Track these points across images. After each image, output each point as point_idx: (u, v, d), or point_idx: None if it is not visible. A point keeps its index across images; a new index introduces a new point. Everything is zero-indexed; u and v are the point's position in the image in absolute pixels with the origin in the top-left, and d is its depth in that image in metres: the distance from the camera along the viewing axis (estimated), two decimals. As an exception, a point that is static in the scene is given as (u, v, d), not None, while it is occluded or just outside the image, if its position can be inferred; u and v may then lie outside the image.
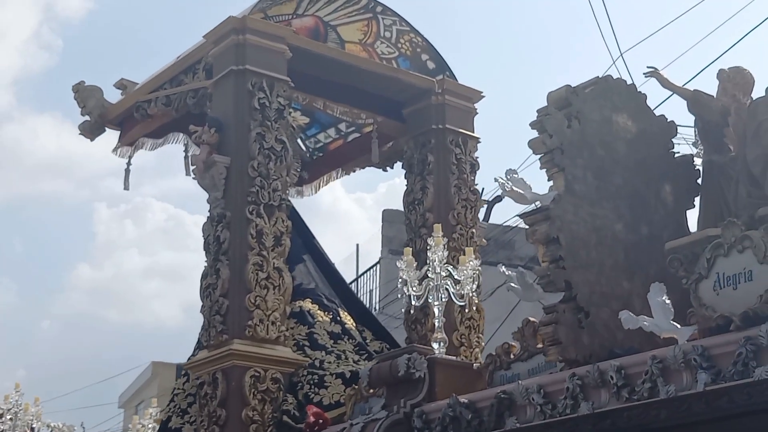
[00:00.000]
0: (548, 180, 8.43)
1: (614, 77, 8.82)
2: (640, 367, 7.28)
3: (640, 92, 8.88)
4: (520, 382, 8.01)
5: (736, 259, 7.04)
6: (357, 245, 14.27)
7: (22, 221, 29.09)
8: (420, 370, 8.65)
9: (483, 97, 12.15)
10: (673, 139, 8.96)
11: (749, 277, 6.93)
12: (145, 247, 32.76)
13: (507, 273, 8.59)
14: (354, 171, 13.36)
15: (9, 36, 28.56)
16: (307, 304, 11.06)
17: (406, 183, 12.01)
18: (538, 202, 8.26)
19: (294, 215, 12.08)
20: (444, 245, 9.21)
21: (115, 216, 32.77)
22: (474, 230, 11.65)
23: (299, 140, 13.46)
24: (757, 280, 6.89)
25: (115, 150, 12.45)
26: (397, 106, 12.24)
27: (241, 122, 10.60)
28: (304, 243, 11.86)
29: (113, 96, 12.54)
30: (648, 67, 8.69)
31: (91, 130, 12.37)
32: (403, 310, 11.47)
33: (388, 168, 12.85)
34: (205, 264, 10.48)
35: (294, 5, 11.85)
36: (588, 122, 8.54)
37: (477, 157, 11.95)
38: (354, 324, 11.35)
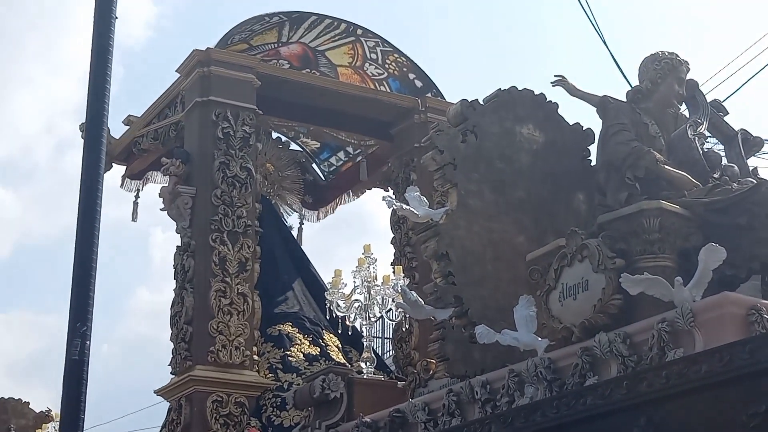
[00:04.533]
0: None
1: (519, 88, 8.66)
2: (501, 381, 7.22)
3: (549, 102, 8.73)
4: (411, 400, 8.00)
5: (577, 268, 6.93)
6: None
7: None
8: (336, 391, 8.71)
9: (469, 112, 12.07)
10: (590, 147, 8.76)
11: (586, 287, 6.81)
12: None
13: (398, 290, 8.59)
14: (363, 192, 13.48)
15: (72, 67, 29.42)
16: (287, 328, 11.21)
17: (394, 202, 12.05)
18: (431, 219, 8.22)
19: (288, 239, 12.33)
20: (372, 266, 9.26)
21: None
22: (460, 246, 11.58)
23: (314, 165, 13.72)
24: (593, 289, 6.77)
25: (122, 185, 12.87)
26: (386, 127, 12.33)
27: (205, 152, 10.89)
28: (295, 266, 12.03)
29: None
30: (555, 76, 8.52)
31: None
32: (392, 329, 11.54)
33: (389, 188, 12.89)
34: (173, 292, 10.76)
35: (276, 34, 12.08)
36: (486, 135, 8.45)
37: (463, 173, 11.88)
38: (340, 345, 11.43)
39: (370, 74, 12.45)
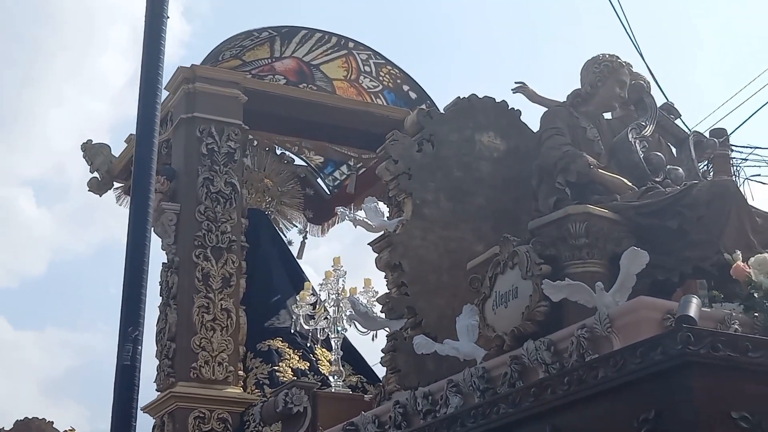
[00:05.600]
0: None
1: (480, 96, 8.55)
2: (441, 392, 7.11)
3: (512, 109, 8.60)
4: (363, 412, 7.91)
5: (509, 276, 6.80)
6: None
7: (116, 264, 29.75)
8: (299, 405, 8.65)
9: (463, 124, 11.98)
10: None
11: (515, 294, 6.69)
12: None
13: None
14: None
15: (104, 85, 29.60)
16: (277, 343, 11.13)
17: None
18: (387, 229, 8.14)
19: (284, 253, 12.29)
20: (342, 279, 9.19)
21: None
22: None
23: (319, 179, 13.69)
24: (521, 296, 6.65)
25: (119, 202, 12.90)
26: (381, 140, 12.20)
27: (190, 169, 10.90)
28: (290, 281, 11.97)
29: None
30: (516, 82, 8.41)
31: (98, 187, 12.88)
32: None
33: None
34: (158, 309, 10.78)
35: (268, 49, 12.08)
36: (444, 144, 8.36)
37: (458, 184, 11.78)
38: (332, 360, 11.34)
39: (366, 87, 12.40)
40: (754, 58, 21.78)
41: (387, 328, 8.04)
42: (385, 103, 12.37)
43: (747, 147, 14.15)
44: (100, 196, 13.04)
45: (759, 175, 14.18)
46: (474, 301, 7.13)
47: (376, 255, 8.16)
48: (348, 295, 9.22)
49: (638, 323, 5.85)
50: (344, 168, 13.44)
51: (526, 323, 6.52)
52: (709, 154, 7.65)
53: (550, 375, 5.70)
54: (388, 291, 8.08)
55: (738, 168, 14.14)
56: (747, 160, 14.13)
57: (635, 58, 10.65)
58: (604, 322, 5.90)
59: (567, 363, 6.07)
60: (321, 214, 13.41)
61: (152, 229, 10.68)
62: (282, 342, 11.20)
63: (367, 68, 12.26)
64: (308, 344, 11.27)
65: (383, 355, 7.94)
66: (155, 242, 11.09)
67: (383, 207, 8.43)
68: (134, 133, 12.73)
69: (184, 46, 29.32)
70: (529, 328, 6.51)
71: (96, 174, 12.92)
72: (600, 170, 7.00)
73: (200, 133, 10.97)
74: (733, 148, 14.16)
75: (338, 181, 13.58)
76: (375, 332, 8.12)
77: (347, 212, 8.31)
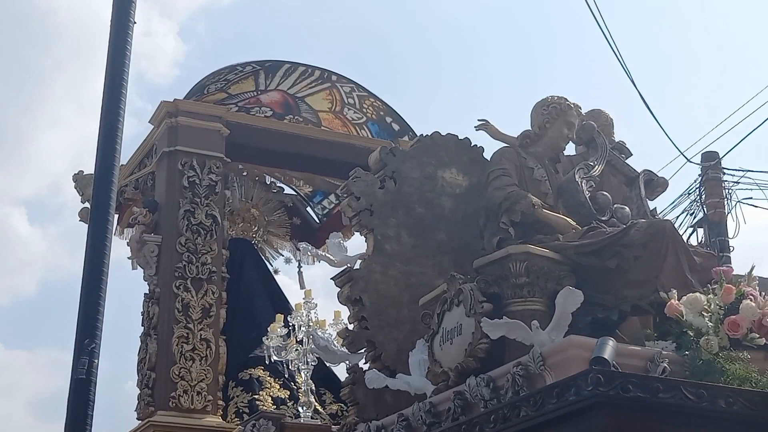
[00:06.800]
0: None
1: (443, 134, 8.75)
2: (392, 426, 7.29)
3: (475, 146, 8.79)
4: (323, 445, 8.10)
5: (455, 313, 6.99)
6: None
7: (109, 284, 29.63)
8: (266, 436, 8.83)
9: (445, 155, 12.15)
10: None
11: (460, 331, 6.87)
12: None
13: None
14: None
15: (100, 106, 29.62)
16: (259, 372, 11.31)
17: (370, 245, 12.16)
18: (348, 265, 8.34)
19: (268, 283, 12.47)
20: (313, 311, 9.37)
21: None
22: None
23: (309, 208, 13.89)
24: (465, 333, 6.83)
25: (116, 234, 13.11)
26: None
27: (171, 201, 11.11)
28: (274, 310, 12.13)
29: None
30: (479, 120, 8.59)
31: (89, 217, 13.06)
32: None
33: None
34: (140, 339, 10.99)
35: (253, 82, 12.30)
36: (407, 181, 8.57)
37: (439, 215, 11.95)
38: (313, 388, 11.50)
39: (350, 119, 12.60)
40: (745, 82, 21.93)
41: (348, 362, 8.21)
42: (369, 135, 12.56)
43: (739, 170, 14.29)
44: (91, 226, 13.21)
45: (751, 198, 14.30)
46: (424, 337, 7.31)
47: (339, 289, 8.34)
48: (316, 327, 9.40)
49: (568, 361, 6.02)
50: (332, 197, 13.62)
51: (469, 360, 6.70)
52: (660, 192, 7.82)
53: (481, 413, 5.87)
54: (349, 324, 8.26)
55: (730, 191, 14.31)
56: (738, 183, 14.29)
57: (626, 84, 10.88)
58: (537, 360, 6.09)
59: (504, 399, 6.25)
60: (310, 242, 13.54)
61: (112, 239, 10.91)
62: (263, 371, 11.36)
63: (350, 100, 12.45)
64: (289, 373, 11.47)
65: (343, 388, 8.10)
66: (138, 273, 11.34)
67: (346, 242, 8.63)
68: (124, 163, 13.13)
69: (179, 66, 29.52)
70: (472, 365, 6.69)
71: (87, 204, 13.11)
72: (545, 210, 7.18)
73: (182, 166, 11.18)
74: (724, 171, 14.34)
75: (327, 210, 13.78)
76: (347, 363, 8.27)
77: (309, 248, 8.51)
